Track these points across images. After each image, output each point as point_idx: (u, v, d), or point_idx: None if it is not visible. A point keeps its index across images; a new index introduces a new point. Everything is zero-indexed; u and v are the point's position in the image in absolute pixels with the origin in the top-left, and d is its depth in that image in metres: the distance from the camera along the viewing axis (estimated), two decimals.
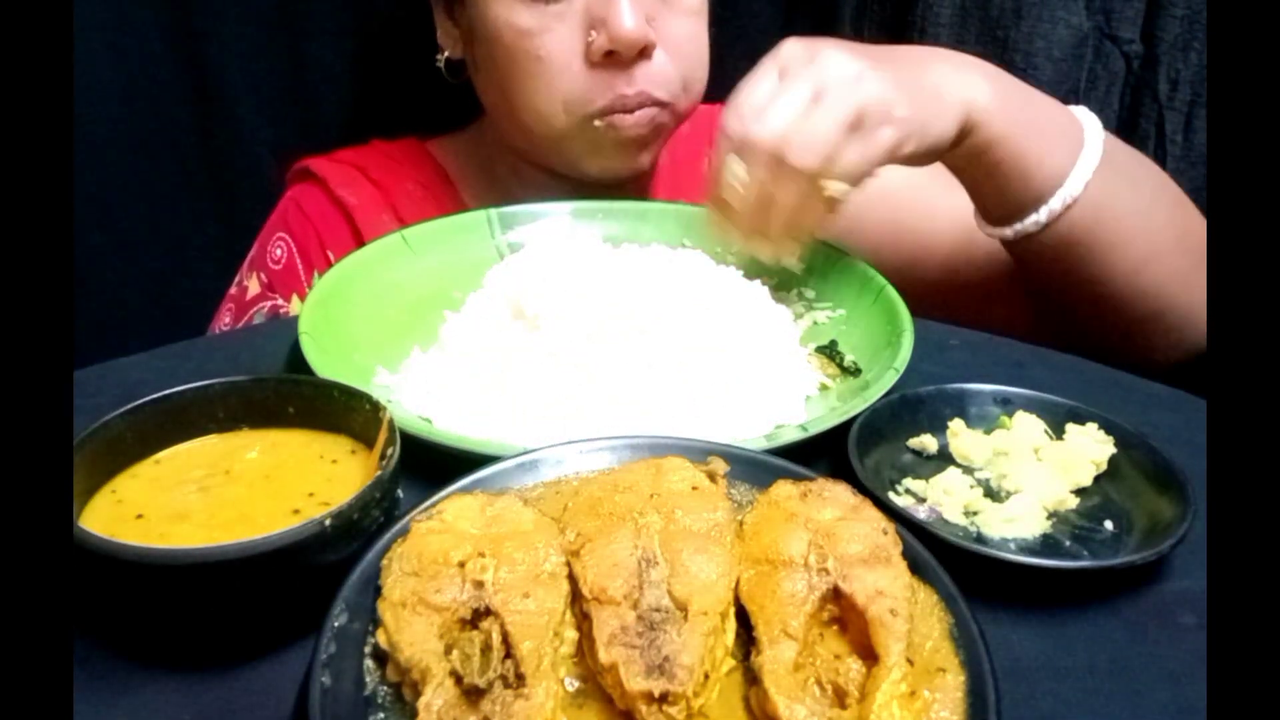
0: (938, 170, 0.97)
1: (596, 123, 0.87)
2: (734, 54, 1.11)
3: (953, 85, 0.74)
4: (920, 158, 0.75)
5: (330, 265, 0.79)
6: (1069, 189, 0.76)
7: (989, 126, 0.75)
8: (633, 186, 0.98)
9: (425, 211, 0.93)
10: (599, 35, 0.82)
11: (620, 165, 0.93)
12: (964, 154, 0.77)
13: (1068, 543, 0.55)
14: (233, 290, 1.00)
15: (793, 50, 0.72)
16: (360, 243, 0.88)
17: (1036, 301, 0.90)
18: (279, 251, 0.98)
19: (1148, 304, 0.82)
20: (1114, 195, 0.78)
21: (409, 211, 0.96)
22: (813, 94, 0.67)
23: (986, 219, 0.83)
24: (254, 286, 0.97)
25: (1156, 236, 0.81)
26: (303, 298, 0.71)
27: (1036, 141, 0.76)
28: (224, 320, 0.98)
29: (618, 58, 0.84)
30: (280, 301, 0.95)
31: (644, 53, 0.85)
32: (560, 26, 0.84)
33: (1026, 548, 0.54)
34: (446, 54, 0.96)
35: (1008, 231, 0.80)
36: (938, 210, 0.93)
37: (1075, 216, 0.77)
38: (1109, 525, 0.56)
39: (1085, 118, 0.79)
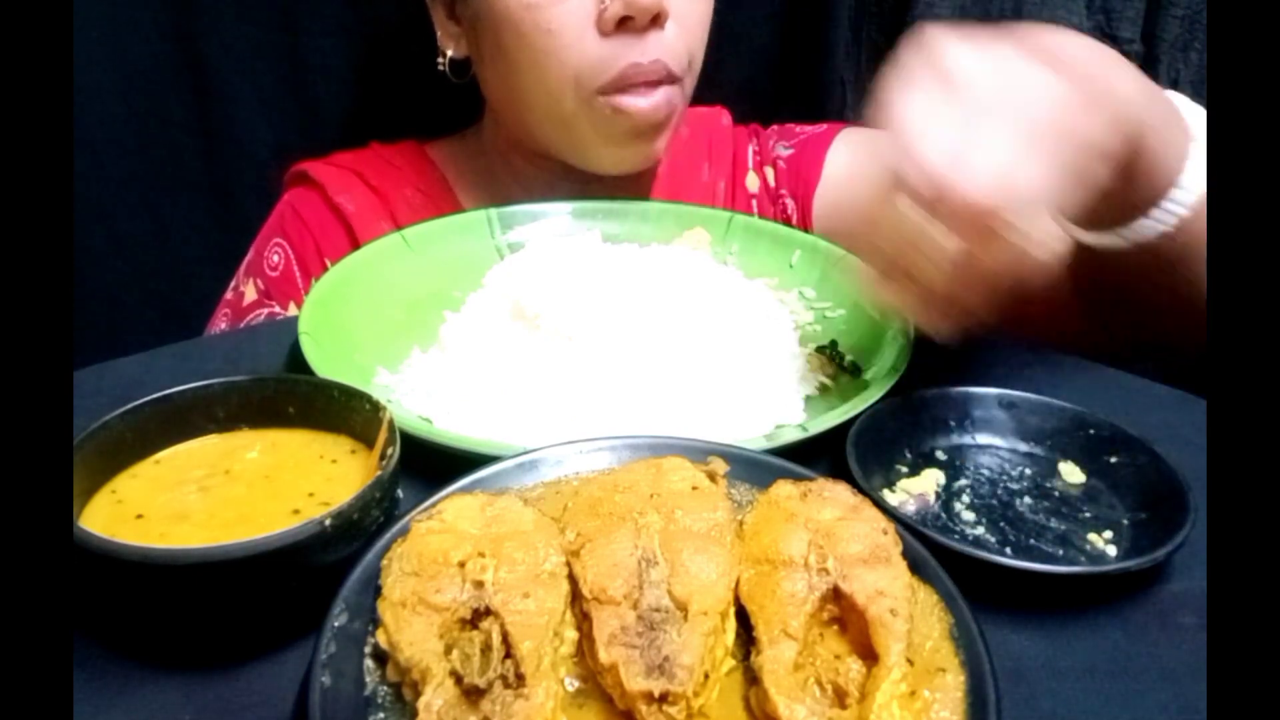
0: None
1: (603, 103, 0.84)
2: (731, 54, 1.11)
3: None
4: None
5: None
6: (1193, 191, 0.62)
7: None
8: (632, 189, 0.97)
9: (424, 218, 0.93)
10: (612, 1, 0.81)
11: (632, 153, 0.90)
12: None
13: (1064, 548, 0.55)
14: (229, 295, 0.99)
15: (953, 53, 0.54)
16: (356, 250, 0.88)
17: (1096, 308, 0.76)
18: (276, 258, 0.97)
19: None
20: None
21: (407, 218, 0.95)
22: (1032, 130, 0.51)
23: (1088, 223, 0.66)
24: (250, 293, 0.97)
25: None
26: (300, 305, 0.70)
27: (1178, 130, 0.62)
28: (219, 326, 0.97)
29: (631, 25, 0.82)
30: (277, 309, 0.95)
31: (656, 21, 0.83)
32: None
33: (1024, 551, 0.54)
34: (450, 54, 0.96)
35: (1149, 227, 0.64)
36: None
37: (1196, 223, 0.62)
38: (1108, 532, 0.56)
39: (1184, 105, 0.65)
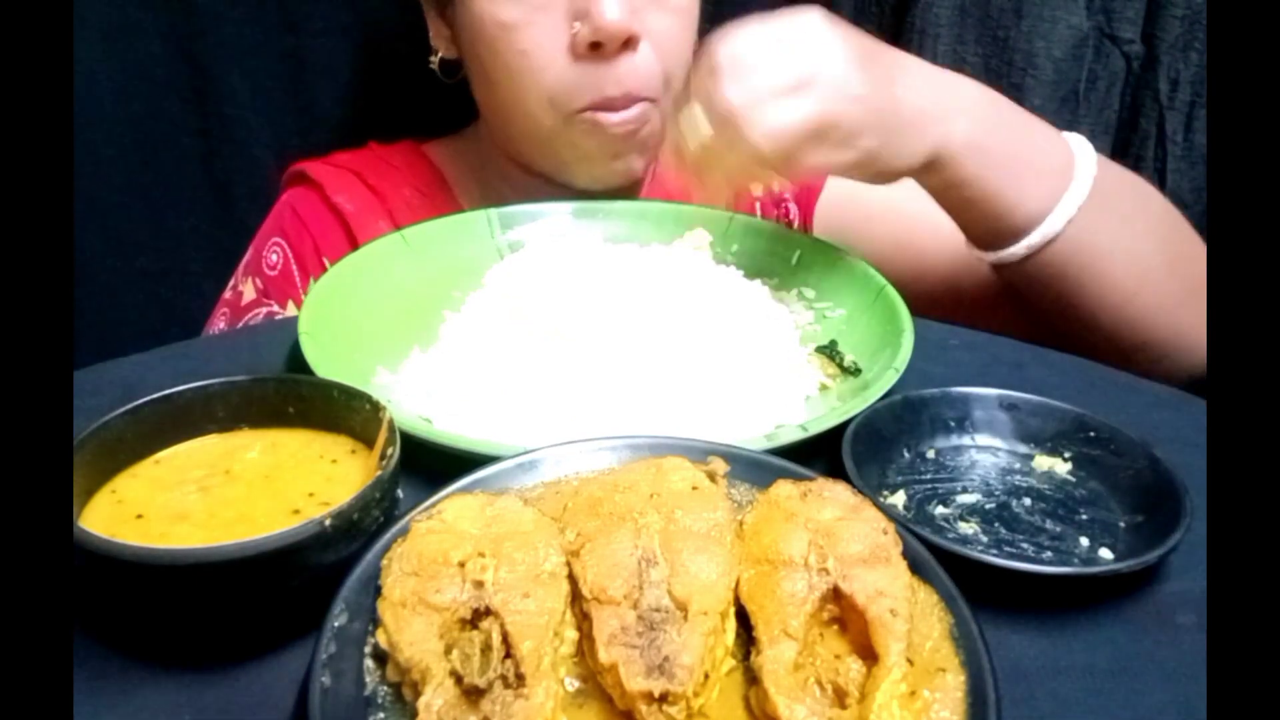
0: None
1: (580, 119, 0.85)
2: None
3: (930, 122, 0.72)
4: (872, 180, 0.75)
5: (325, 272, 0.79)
6: (1049, 226, 0.75)
7: (958, 168, 0.74)
8: (632, 187, 0.97)
9: (422, 218, 0.93)
10: (583, 26, 0.81)
11: (608, 173, 0.91)
12: (932, 187, 0.77)
13: (1062, 550, 0.55)
14: (227, 294, 0.99)
15: (804, 23, 0.69)
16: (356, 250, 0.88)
17: (1031, 320, 0.89)
18: (274, 257, 0.98)
19: (1134, 333, 0.80)
20: (1100, 230, 0.77)
21: (405, 218, 0.95)
22: (797, 81, 0.66)
23: (969, 241, 0.83)
24: (249, 292, 0.97)
25: (1145, 267, 0.79)
26: (298, 304, 0.70)
27: (1015, 180, 0.75)
28: (218, 325, 0.97)
29: (602, 50, 0.82)
30: (275, 308, 0.95)
31: (629, 45, 0.83)
32: (543, 19, 0.83)
33: (1021, 552, 0.54)
34: (440, 54, 0.96)
35: (988, 257, 0.80)
36: (941, 225, 0.93)
37: (1056, 251, 0.76)
38: (1105, 534, 0.56)
39: (1079, 149, 0.77)
